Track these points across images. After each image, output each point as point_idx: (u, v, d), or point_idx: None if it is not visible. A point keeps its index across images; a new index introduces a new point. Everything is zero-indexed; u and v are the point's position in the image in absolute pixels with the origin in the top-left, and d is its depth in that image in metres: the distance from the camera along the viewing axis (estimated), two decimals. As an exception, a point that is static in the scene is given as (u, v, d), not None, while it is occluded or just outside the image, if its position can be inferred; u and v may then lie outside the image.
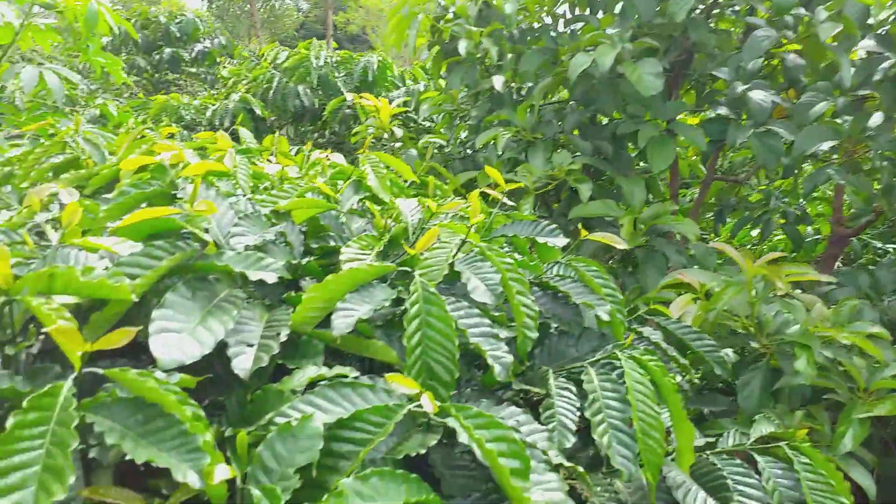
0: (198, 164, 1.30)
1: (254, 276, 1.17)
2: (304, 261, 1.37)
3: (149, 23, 7.89)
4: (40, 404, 0.78)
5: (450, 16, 3.21)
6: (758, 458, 1.50)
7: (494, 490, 1.10)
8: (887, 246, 3.57)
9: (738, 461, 1.45)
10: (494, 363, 1.21)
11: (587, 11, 3.09)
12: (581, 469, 1.17)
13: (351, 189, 1.79)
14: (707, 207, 3.49)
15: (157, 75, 7.96)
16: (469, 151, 3.22)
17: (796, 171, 3.10)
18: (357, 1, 23.79)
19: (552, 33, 3.02)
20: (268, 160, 2.26)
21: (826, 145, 2.45)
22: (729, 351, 2.17)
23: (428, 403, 0.97)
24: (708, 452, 1.50)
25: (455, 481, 1.14)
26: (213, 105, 5.21)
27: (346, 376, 1.06)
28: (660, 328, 1.84)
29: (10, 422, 0.74)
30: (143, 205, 1.34)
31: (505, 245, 1.72)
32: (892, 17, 2.54)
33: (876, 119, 2.45)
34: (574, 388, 1.38)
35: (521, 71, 2.85)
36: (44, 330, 1.04)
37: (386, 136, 3.70)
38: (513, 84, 3.12)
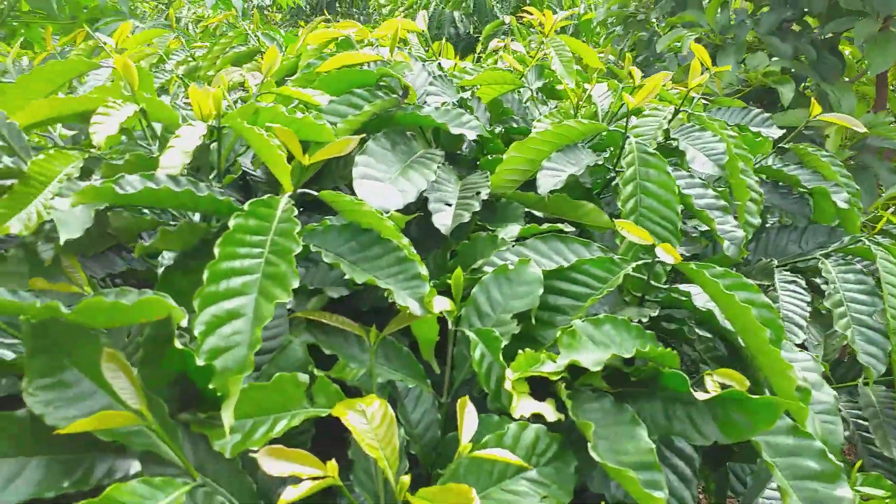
0: (391, 22, 1.22)
1: (455, 130, 1.09)
2: (497, 129, 1.27)
3: (309, -35, 8.08)
4: (259, 212, 0.73)
5: None
6: None
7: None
8: None
9: None
10: (724, 238, 1.05)
11: None
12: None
13: (534, 72, 1.66)
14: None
15: (313, 17, 8.18)
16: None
17: None
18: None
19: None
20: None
21: None
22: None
23: (666, 254, 0.84)
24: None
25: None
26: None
27: (561, 230, 0.95)
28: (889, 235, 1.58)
29: (231, 222, 0.70)
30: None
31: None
32: None
33: None
34: (803, 282, 1.19)
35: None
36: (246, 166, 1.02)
37: (548, 53, 3.51)
38: (700, -19, 2.81)
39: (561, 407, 0.77)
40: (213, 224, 0.89)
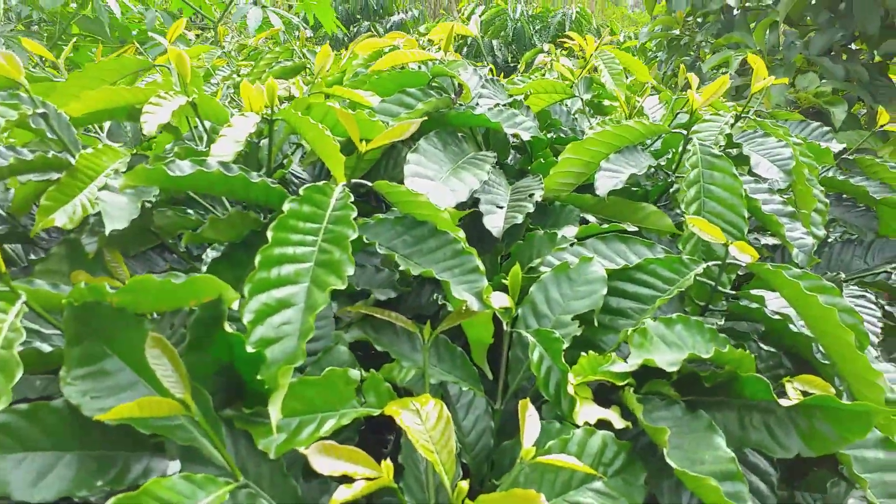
0: (443, 25, 1.20)
1: (510, 130, 1.05)
2: (549, 135, 1.23)
3: (349, -3, 8.25)
4: (314, 199, 0.70)
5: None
6: None
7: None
8: None
9: None
10: (793, 244, 0.99)
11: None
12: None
13: (583, 84, 1.62)
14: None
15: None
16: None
17: None
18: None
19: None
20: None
21: None
22: None
23: (742, 254, 0.78)
24: None
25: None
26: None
27: (623, 230, 0.90)
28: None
29: (285, 206, 0.67)
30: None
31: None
32: None
33: None
34: (872, 296, 1.11)
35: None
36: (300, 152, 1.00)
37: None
38: (748, 3, 2.77)
39: (626, 415, 0.71)
40: (263, 220, 0.86)
